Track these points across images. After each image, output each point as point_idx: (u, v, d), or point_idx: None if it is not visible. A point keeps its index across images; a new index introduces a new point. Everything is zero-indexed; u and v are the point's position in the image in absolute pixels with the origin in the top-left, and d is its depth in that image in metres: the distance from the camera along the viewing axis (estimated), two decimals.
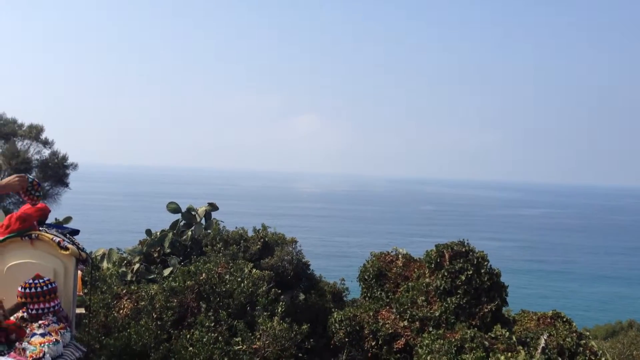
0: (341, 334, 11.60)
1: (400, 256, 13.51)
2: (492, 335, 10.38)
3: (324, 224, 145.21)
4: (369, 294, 13.08)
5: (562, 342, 10.29)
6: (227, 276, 11.01)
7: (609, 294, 76.00)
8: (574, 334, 10.69)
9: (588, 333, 11.66)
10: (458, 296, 11.38)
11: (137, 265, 13.08)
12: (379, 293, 12.85)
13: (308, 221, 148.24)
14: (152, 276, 12.77)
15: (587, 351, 10.31)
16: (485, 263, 11.77)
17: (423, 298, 11.71)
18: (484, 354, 9.74)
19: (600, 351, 10.58)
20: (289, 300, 12.13)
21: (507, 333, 10.44)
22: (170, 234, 13.92)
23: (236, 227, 14.59)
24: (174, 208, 14.46)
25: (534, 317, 11.76)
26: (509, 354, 9.61)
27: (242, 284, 10.79)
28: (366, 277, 13.21)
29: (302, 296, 12.79)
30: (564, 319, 11.59)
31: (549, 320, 11.54)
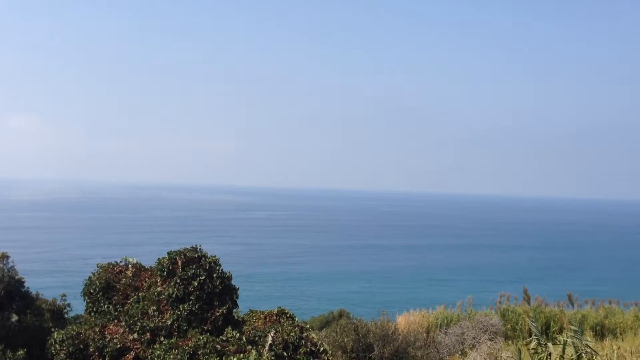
0: (62, 355, 10.59)
1: (130, 266, 12.95)
2: (224, 338, 10.66)
3: (45, 236, 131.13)
4: (95, 309, 12.21)
5: (286, 337, 11.13)
6: None
7: (326, 288, 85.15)
8: (297, 328, 11.66)
9: (308, 326, 12.84)
10: (190, 302, 11.40)
11: None
12: (106, 307, 12.09)
13: (24, 233, 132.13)
14: None
15: (309, 343, 11.35)
16: (217, 267, 12.05)
17: (154, 308, 11.42)
18: (218, 358, 9.95)
19: (319, 341, 11.77)
20: (0, 323, 10.60)
21: (238, 334, 10.84)
22: None
23: None
24: None
25: (261, 315, 12.50)
26: (241, 355, 10.00)
27: None
28: (92, 290, 12.31)
29: (15, 317, 11.29)
30: (288, 315, 12.58)
31: (274, 317, 12.39)
